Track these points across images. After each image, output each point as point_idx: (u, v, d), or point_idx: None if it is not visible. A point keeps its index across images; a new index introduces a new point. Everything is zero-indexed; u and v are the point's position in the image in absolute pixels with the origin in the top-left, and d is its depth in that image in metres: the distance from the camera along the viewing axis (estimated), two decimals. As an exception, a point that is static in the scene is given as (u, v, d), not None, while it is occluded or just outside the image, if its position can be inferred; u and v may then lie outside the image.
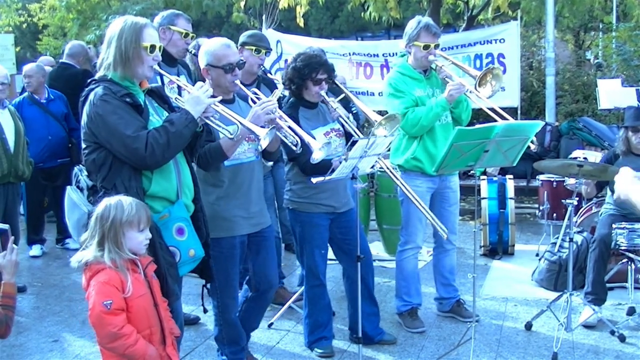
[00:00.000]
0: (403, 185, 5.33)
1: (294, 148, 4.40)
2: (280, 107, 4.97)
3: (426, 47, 5.56)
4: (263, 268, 4.78)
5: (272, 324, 5.88)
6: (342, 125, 5.13)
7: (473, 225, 5.46)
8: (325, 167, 4.50)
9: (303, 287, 6.15)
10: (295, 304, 6.08)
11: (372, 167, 4.81)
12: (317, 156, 4.31)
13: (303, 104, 5.09)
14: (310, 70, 4.97)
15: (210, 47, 4.51)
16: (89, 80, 3.84)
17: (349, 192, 5.29)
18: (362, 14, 14.75)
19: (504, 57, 10.52)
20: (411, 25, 5.65)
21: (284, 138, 4.43)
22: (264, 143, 4.10)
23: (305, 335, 5.37)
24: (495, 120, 5.21)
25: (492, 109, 5.42)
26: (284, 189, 6.44)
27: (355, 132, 5.00)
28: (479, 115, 9.47)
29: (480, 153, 4.82)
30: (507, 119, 5.26)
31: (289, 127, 4.43)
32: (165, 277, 3.64)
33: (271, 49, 6.49)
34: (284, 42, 11.20)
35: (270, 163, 5.74)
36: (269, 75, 6.60)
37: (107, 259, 3.34)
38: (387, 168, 5.34)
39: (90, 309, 3.31)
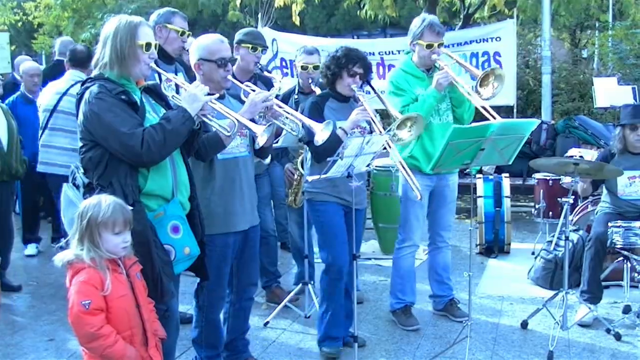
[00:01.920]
0: (408, 174, 5.21)
1: (293, 134, 4.40)
2: (286, 103, 4.98)
3: (429, 46, 5.54)
4: (246, 267, 4.76)
5: (268, 322, 5.88)
6: (369, 124, 5.11)
7: (469, 224, 5.45)
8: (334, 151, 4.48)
9: (299, 286, 6.19)
10: (291, 303, 6.07)
11: (368, 165, 4.79)
12: (319, 137, 4.31)
13: (334, 95, 5.13)
14: (347, 61, 5.02)
15: (203, 41, 4.50)
16: (84, 79, 3.83)
17: (364, 192, 5.29)
18: (358, 12, 14.77)
19: (500, 56, 10.52)
20: (415, 24, 5.64)
21: (282, 125, 4.44)
22: (262, 140, 4.09)
23: (319, 330, 5.30)
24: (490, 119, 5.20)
25: (483, 108, 5.38)
26: (279, 187, 6.48)
27: (381, 132, 4.97)
28: (475, 114, 9.48)
29: (476, 151, 4.81)
30: (496, 118, 5.24)
31: (288, 113, 4.43)
32: (160, 275, 3.62)
33: (267, 47, 6.48)
34: (279, 41, 11.19)
35: (268, 160, 5.74)
36: (266, 73, 6.59)
37: (87, 257, 3.34)
38: (399, 161, 5.25)
39: (69, 308, 3.30)
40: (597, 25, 17.31)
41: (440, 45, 5.58)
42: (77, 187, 3.77)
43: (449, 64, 5.57)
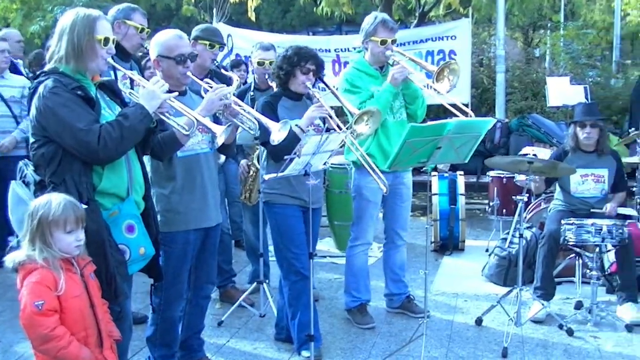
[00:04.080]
0: (371, 167, 5.18)
1: (250, 132, 4.35)
2: (241, 100, 4.93)
3: (383, 43, 5.54)
4: (205, 265, 4.72)
5: (222, 322, 5.81)
6: (324, 122, 5.07)
7: (424, 221, 5.47)
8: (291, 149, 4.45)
9: (254, 285, 6.13)
10: (246, 302, 6.02)
11: (325, 163, 4.76)
12: (276, 137, 4.27)
13: (287, 94, 5.09)
14: (299, 59, 4.98)
15: (162, 38, 4.43)
16: (37, 73, 3.74)
17: (320, 190, 5.27)
18: (314, 8, 14.75)
19: (455, 54, 10.62)
20: (368, 21, 5.64)
21: (240, 124, 4.39)
22: (220, 140, 4.05)
23: (295, 338, 5.19)
24: (447, 116, 5.22)
25: (454, 105, 5.39)
26: (234, 184, 6.42)
27: (339, 127, 4.94)
28: (430, 112, 9.52)
29: (432, 150, 4.81)
30: (469, 115, 5.27)
31: (245, 111, 4.39)
32: (114, 276, 3.55)
33: (225, 44, 6.42)
34: (234, 37, 11.11)
35: (223, 158, 5.68)
36: (223, 71, 6.53)
37: (39, 257, 3.26)
38: (361, 155, 5.20)
39: (21, 310, 3.22)
40: (549, 25, 17.56)
41: (393, 41, 5.58)
42: (27, 184, 3.68)
43: (402, 60, 5.57)
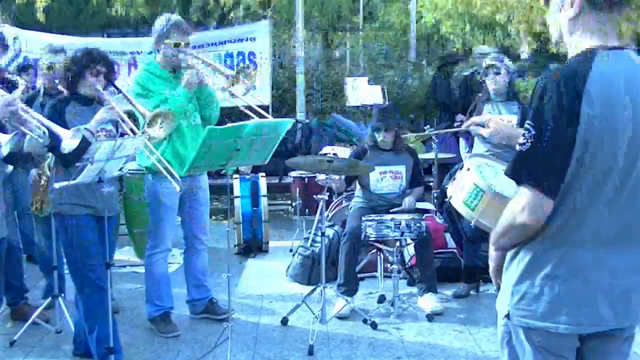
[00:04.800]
0: (167, 169, 5.05)
1: (40, 141, 4.14)
2: (30, 106, 4.66)
3: (177, 45, 5.40)
4: None
5: (14, 341, 5.43)
6: (117, 127, 4.87)
7: (226, 224, 5.41)
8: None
9: (48, 300, 5.80)
10: (40, 319, 5.66)
11: (120, 169, 4.58)
12: (67, 145, 4.09)
13: (76, 98, 4.81)
14: (89, 61, 4.76)
15: None
16: None
17: (116, 197, 5.08)
18: (108, 9, 14.31)
19: (254, 56, 10.62)
20: (160, 23, 5.48)
21: (29, 132, 4.16)
22: (5, 150, 3.86)
23: (94, 353, 4.88)
24: (249, 119, 5.20)
25: (250, 107, 5.37)
26: (23, 195, 6.05)
27: (133, 132, 4.75)
28: (232, 114, 9.49)
29: (232, 152, 4.76)
30: (265, 117, 5.27)
31: (34, 118, 4.17)
32: None
33: (8, 46, 6.06)
34: (22, 39, 10.52)
35: (10, 168, 5.34)
36: (7, 75, 6.14)
37: None
38: (157, 158, 5.07)
39: None
40: (349, 26, 18.06)
41: (187, 44, 5.46)
42: None
43: (196, 64, 5.47)
